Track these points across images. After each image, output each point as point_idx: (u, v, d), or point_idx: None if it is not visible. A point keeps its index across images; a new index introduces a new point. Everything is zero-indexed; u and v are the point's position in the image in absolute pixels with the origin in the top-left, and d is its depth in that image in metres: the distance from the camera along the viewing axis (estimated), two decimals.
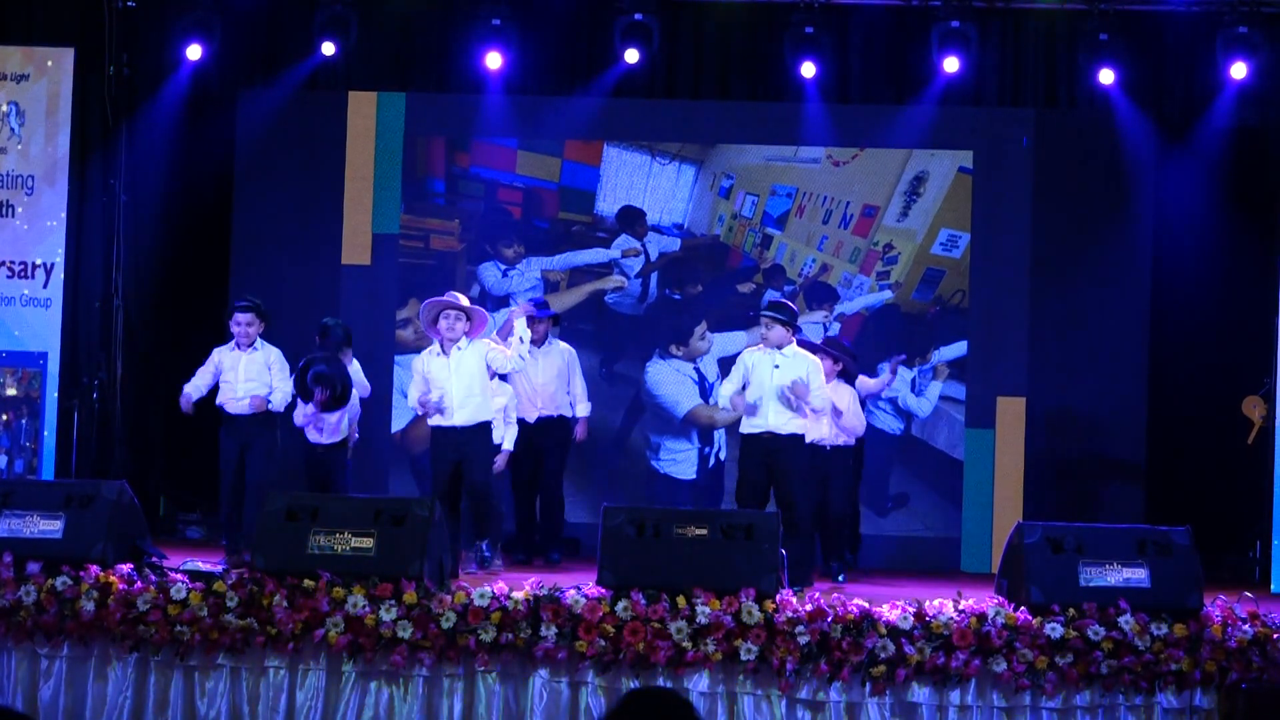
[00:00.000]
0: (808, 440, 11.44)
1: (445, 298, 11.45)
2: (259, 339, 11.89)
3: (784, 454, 11.08)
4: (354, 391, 12.10)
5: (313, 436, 12.08)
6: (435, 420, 11.35)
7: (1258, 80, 13.16)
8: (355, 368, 12.34)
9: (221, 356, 11.88)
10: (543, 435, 12.56)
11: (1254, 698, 9.21)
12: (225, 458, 11.83)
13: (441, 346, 11.35)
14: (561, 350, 12.69)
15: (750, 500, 11.08)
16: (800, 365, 11.18)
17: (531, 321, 12.21)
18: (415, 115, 14.35)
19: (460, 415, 11.26)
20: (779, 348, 11.18)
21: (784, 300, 11.77)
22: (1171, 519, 10.28)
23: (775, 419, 11.09)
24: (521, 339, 11.35)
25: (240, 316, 11.85)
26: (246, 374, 11.78)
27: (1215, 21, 13.10)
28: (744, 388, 11.17)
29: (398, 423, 14.20)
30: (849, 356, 12.32)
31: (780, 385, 11.04)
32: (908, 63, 13.63)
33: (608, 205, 14.41)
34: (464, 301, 11.48)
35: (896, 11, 13.57)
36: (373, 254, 14.35)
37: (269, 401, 11.75)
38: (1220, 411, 13.20)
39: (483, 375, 11.35)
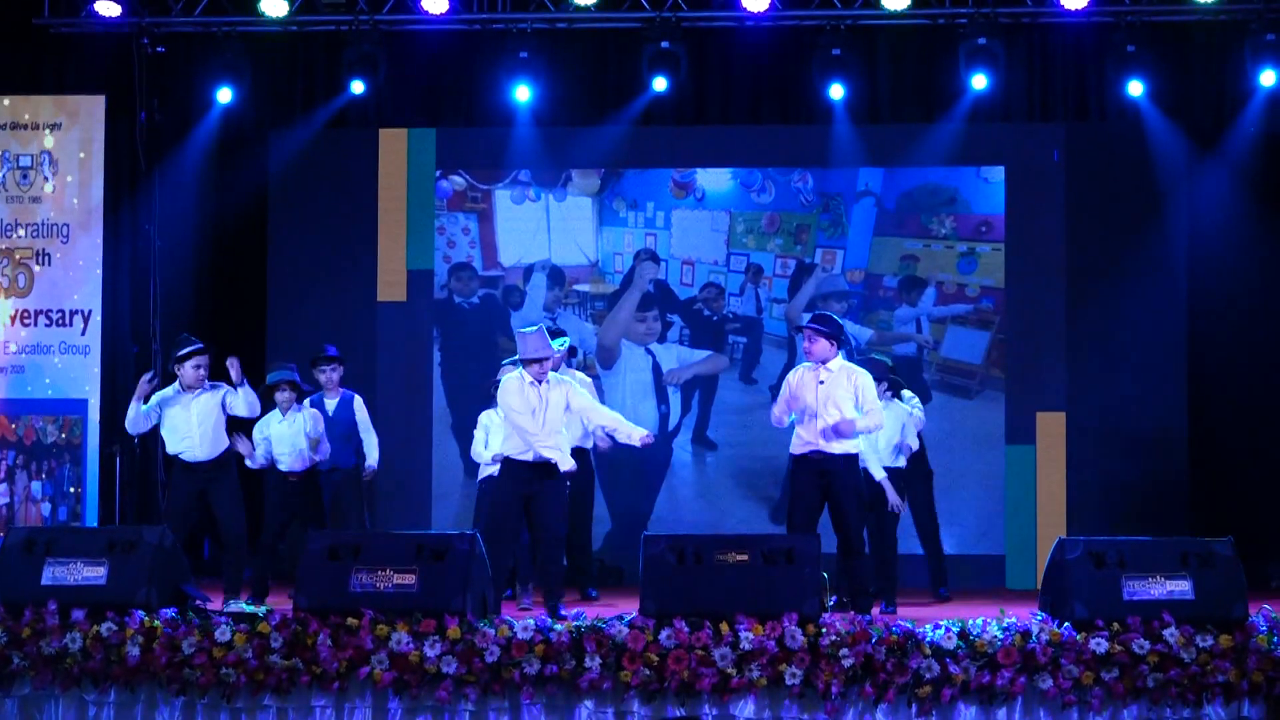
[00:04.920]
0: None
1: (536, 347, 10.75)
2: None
3: (838, 475, 10.68)
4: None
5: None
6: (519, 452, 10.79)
7: None
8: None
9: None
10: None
11: None
12: (181, 504, 11.33)
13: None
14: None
15: (802, 520, 10.62)
16: (846, 379, 10.76)
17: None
18: (445, 151, 14.45)
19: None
20: (823, 362, 10.75)
21: (828, 313, 11.37)
22: (1215, 529, 10.22)
23: (823, 438, 10.70)
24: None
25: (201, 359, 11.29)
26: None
27: (1243, 29, 13.05)
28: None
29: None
30: (888, 371, 11.97)
31: (826, 400, 10.64)
32: (936, 81, 13.58)
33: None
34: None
35: (923, 30, 13.55)
36: (408, 290, 14.42)
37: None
38: (1261, 420, 13.17)
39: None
